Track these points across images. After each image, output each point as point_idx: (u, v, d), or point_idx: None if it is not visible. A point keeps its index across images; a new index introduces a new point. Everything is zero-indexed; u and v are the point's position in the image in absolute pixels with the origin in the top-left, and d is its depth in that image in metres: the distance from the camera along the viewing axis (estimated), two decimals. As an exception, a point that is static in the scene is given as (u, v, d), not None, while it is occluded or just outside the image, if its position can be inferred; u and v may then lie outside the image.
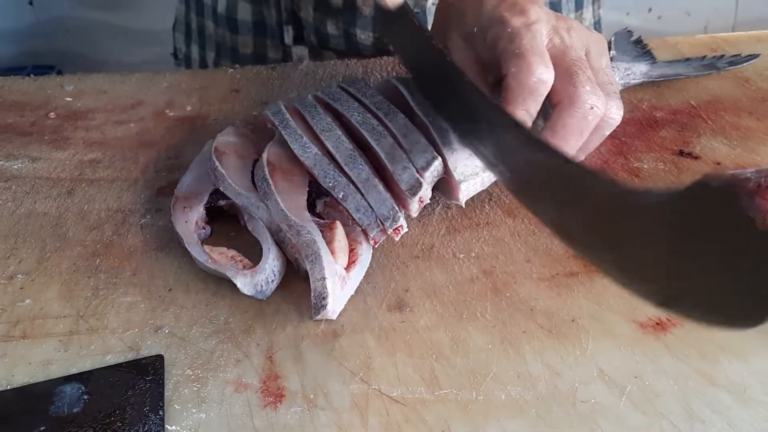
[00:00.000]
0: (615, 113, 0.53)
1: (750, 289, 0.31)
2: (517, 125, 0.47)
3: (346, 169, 0.54)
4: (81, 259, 0.54)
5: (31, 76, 0.79)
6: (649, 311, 0.48)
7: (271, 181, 0.52)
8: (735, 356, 0.45)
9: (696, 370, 0.44)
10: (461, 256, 0.54)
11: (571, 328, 0.48)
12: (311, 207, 0.54)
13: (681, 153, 0.64)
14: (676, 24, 2.09)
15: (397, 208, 0.53)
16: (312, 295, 0.48)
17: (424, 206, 0.55)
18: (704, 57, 0.77)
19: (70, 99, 0.74)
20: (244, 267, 0.51)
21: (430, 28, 0.81)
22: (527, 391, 0.44)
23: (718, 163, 0.62)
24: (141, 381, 0.45)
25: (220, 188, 0.55)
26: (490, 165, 0.50)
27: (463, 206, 0.57)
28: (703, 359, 0.45)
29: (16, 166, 0.64)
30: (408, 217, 0.54)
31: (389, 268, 0.53)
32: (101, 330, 0.48)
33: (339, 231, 0.52)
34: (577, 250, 0.46)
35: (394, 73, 0.75)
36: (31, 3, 1.91)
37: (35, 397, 0.44)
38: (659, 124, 0.68)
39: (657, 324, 0.47)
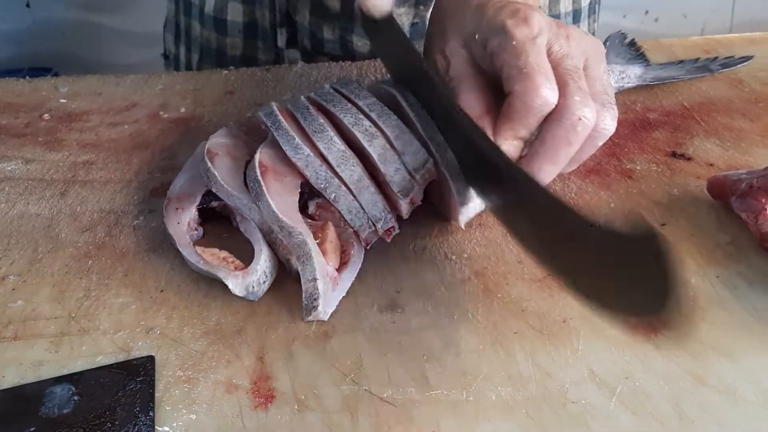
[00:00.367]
0: (608, 124, 0.53)
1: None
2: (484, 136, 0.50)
3: (337, 170, 0.54)
4: (73, 260, 0.54)
5: (27, 77, 0.79)
6: (641, 312, 0.48)
7: (262, 183, 0.52)
8: (725, 357, 0.45)
9: (686, 371, 0.44)
10: (453, 257, 0.54)
11: (562, 329, 0.48)
12: (303, 208, 0.54)
13: (674, 154, 0.64)
14: (672, 26, 2.09)
15: (388, 209, 0.53)
16: (303, 296, 0.48)
17: (417, 207, 0.55)
18: (698, 59, 0.78)
19: (65, 100, 0.74)
20: (235, 268, 0.51)
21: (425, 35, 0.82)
22: (518, 391, 0.44)
23: (711, 165, 0.62)
24: (132, 382, 0.45)
25: (213, 189, 0.55)
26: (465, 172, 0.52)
27: (463, 228, 0.56)
28: (693, 360, 0.45)
29: (9, 168, 0.64)
30: (400, 218, 0.54)
31: (381, 269, 0.53)
32: (92, 331, 0.48)
33: (331, 232, 0.52)
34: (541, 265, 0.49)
35: (388, 77, 0.75)
36: (28, 5, 1.91)
37: (25, 398, 0.44)
38: (652, 125, 0.68)
39: (648, 325, 0.47)
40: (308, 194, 0.55)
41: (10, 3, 1.90)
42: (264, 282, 0.50)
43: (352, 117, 0.57)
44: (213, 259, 0.52)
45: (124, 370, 0.46)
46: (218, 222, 0.57)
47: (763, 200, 0.53)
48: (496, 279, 0.52)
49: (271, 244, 0.53)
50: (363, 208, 0.53)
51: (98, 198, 0.60)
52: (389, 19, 0.60)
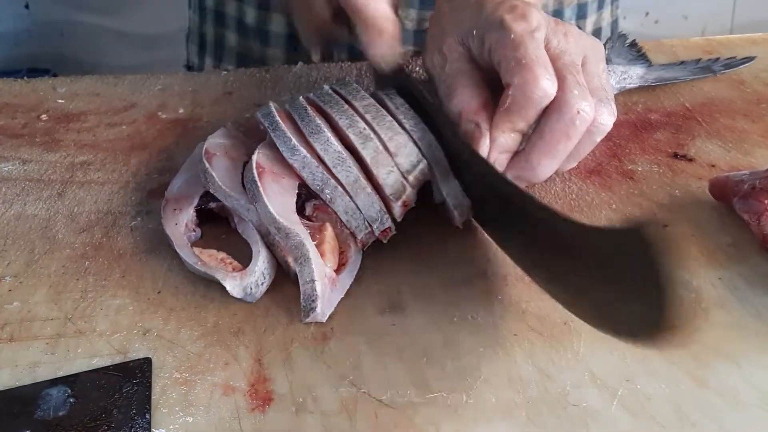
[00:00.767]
0: (606, 119, 0.53)
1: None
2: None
3: (334, 171, 0.54)
4: (70, 261, 0.54)
5: (25, 78, 0.79)
6: (642, 314, 0.48)
7: (259, 184, 0.52)
8: (727, 360, 0.45)
9: (687, 373, 0.44)
10: (453, 257, 0.53)
11: (563, 330, 0.47)
12: (301, 209, 0.54)
13: (675, 155, 0.63)
14: (673, 28, 2.09)
15: (384, 210, 0.52)
16: (301, 297, 0.48)
17: (416, 208, 0.54)
18: (699, 60, 0.77)
19: (63, 101, 0.74)
20: (233, 269, 0.51)
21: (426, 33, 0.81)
22: (518, 394, 0.43)
23: (713, 166, 0.62)
24: (128, 384, 0.44)
25: (210, 190, 0.55)
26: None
27: (461, 227, 0.56)
28: (694, 362, 0.45)
29: (6, 168, 0.64)
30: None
31: (381, 270, 0.52)
32: (89, 333, 0.48)
33: (329, 233, 0.52)
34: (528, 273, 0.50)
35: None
36: (27, 7, 1.91)
37: (20, 401, 0.43)
38: (654, 126, 0.68)
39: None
40: (305, 195, 0.55)
41: (9, 4, 1.90)
42: (262, 283, 0.50)
43: (347, 119, 0.57)
44: (211, 261, 0.51)
45: (121, 372, 0.45)
46: (216, 223, 0.56)
47: (766, 201, 0.52)
48: (495, 280, 0.51)
49: (269, 246, 0.52)
50: (359, 209, 0.53)
51: (95, 199, 0.60)
52: (400, 71, 0.60)
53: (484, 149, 0.53)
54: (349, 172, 0.53)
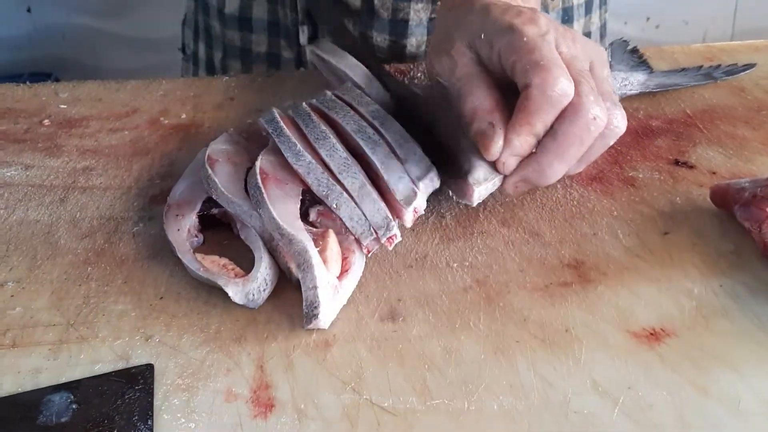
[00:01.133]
0: (619, 122, 0.54)
1: None
2: None
3: (339, 177, 0.54)
4: (72, 267, 0.54)
5: (27, 83, 0.79)
6: (643, 321, 0.48)
7: (263, 190, 0.52)
8: (729, 368, 0.45)
9: (690, 382, 0.44)
10: (455, 265, 0.53)
11: (565, 338, 0.47)
12: (304, 215, 0.54)
13: (676, 162, 0.64)
14: (674, 33, 2.09)
15: (390, 217, 0.52)
16: (304, 304, 0.48)
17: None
18: (701, 67, 0.77)
19: (65, 106, 0.74)
20: (236, 275, 0.51)
21: (431, 38, 0.82)
22: (519, 401, 0.43)
23: (714, 173, 0.62)
24: (130, 390, 0.44)
25: (213, 196, 0.55)
26: None
27: (470, 206, 0.56)
28: (697, 370, 0.45)
29: (9, 174, 0.64)
30: (401, 226, 0.54)
31: (382, 277, 0.53)
32: (91, 339, 0.48)
33: (332, 240, 0.52)
34: None
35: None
36: (29, 10, 1.91)
37: (23, 407, 0.43)
38: (655, 133, 0.68)
39: (651, 334, 0.47)
40: (309, 201, 0.55)
41: (11, 8, 1.91)
42: (264, 290, 0.50)
43: (354, 124, 0.57)
44: (213, 267, 0.51)
45: (123, 379, 0.45)
46: (218, 229, 0.56)
47: (766, 209, 0.52)
48: (497, 287, 0.51)
49: (272, 252, 0.52)
50: (365, 216, 0.53)
51: (98, 204, 0.60)
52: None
53: (496, 149, 0.53)
54: (355, 178, 0.54)
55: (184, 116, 0.72)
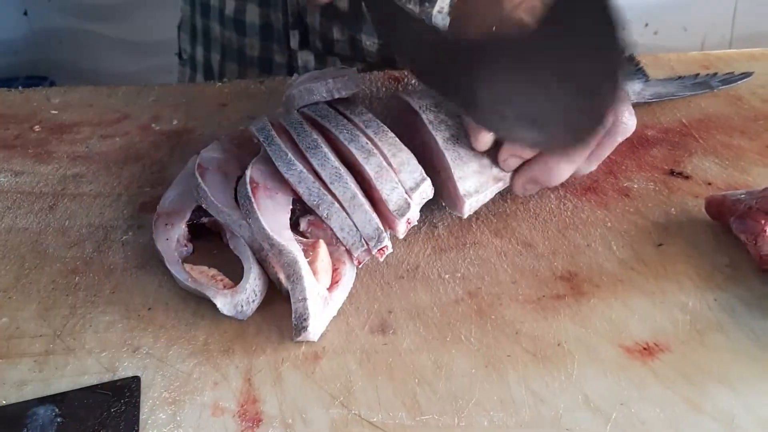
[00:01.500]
0: (628, 119, 0.54)
1: None
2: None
3: (331, 187, 0.53)
4: (60, 276, 0.53)
5: (19, 88, 0.79)
6: (637, 336, 0.48)
7: (253, 199, 0.52)
8: (723, 384, 0.44)
9: (683, 398, 0.43)
10: (446, 276, 0.53)
11: (557, 352, 0.47)
12: (295, 225, 0.53)
13: (672, 173, 0.63)
14: (672, 39, 2.08)
15: (382, 228, 0.52)
16: (293, 316, 0.47)
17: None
18: (697, 75, 0.77)
19: (56, 112, 0.74)
20: (224, 286, 0.50)
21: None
22: (510, 417, 0.43)
23: (709, 184, 0.62)
24: (116, 403, 0.44)
25: (203, 205, 0.54)
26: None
27: (465, 218, 0.56)
28: (690, 386, 0.44)
29: (-2, 180, 0.63)
30: (393, 236, 0.53)
31: (373, 289, 0.52)
32: (78, 350, 0.47)
33: (322, 250, 0.51)
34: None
35: (383, 89, 0.75)
36: (26, 14, 1.91)
37: (7, 420, 0.43)
38: (650, 142, 0.67)
39: (644, 349, 0.47)
40: (300, 211, 0.54)
41: (8, 11, 1.90)
42: (253, 301, 0.50)
43: (348, 133, 0.57)
44: (201, 277, 0.51)
45: (109, 391, 0.45)
46: (209, 238, 0.56)
47: (763, 221, 0.52)
48: (489, 300, 0.51)
49: (262, 262, 0.52)
50: (356, 226, 0.52)
51: (87, 212, 0.60)
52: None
53: (486, 138, 0.54)
54: (347, 188, 0.53)
55: (175, 122, 0.72)
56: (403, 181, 0.54)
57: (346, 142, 0.56)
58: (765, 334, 0.48)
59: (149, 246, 0.55)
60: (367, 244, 0.52)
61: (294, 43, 0.87)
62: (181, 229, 0.55)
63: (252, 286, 0.50)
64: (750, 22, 2.11)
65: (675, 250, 0.55)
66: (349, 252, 0.52)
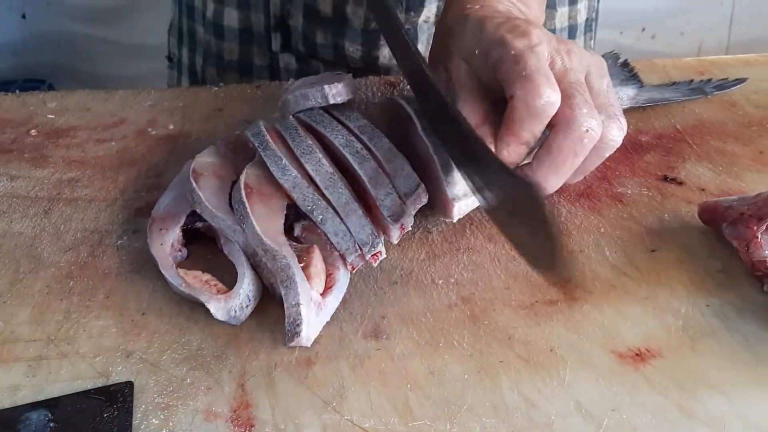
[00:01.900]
0: (616, 135, 0.53)
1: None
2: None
3: (325, 192, 0.53)
4: (54, 280, 0.53)
5: (16, 92, 0.79)
6: (629, 342, 0.48)
7: (247, 204, 0.52)
8: (715, 390, 0.44)
9: (675, 404, 0.44)
10: (440, 282, 0.53)
11: (549, 358, 0.47)
12: (289, 230, 0.54)
13: (665, 178, 0.63)
14: (669, 44, 2.09)
15: (376, 234, 0.52)
16: (286, 321, 0.48)
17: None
18: (692, 81, 0.77)
19: (53, 116, 0.74)
20: (218, 291, 0.50)
21: (421, 45, 0.81)
22: (502, 423, 0.43)
23: (703, 189, 0.62)
24: (109, 408, 0.44)
25: (197, 210, 0.55)
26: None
27: (455, 222, 0.56)
28: (682, 393, 0.44)
29: (-6, 185, 0.64)
30: (387, 242, 0.53)
31: (366, 294, 0.52)
32: (72, 355, 0.47)
33: (316, 255, 0.51)
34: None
35: (379, 94, 0.75)
36: (23, 17, 1.91)
37: (0, 425, 0.43)
38: (644, 148, 0.67)
39: (636, 355, 0.47)
40: (294, 216, 0.54)
41: (6, 14, 1.90)
42: (247, 306, 0.50)
43: (343, 138, 0.57)
44: (195, 282, 0.51)
45: (102, 396, 0.45)
46: (204, 243, 0.56)
47: (755, 228, 0.52)
48: (482, 305, 0.51)
49: (255, 267, 0.52)
50: (350, 232, 0.52)
51: (82, 217, 0.60)
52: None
53: None
54: (341, 193, 0.53)
55: (172, 127, 0.72)
56: (398, 187, 0.54)
57: (340, 148, 0.56)
58: (757, 340, 0.48)
59: (144, 251, 0.55)
60: (361, 249, 0.52)
61: (276, 45, 0.86)
62: (175, 234, 0.55)
63: (245, 291, 0.50)
64: (747, 27, 2.12)
65: (668, 255, 0.55)
66: (342, 257, 0.52)
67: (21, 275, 0.54)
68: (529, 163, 0.53)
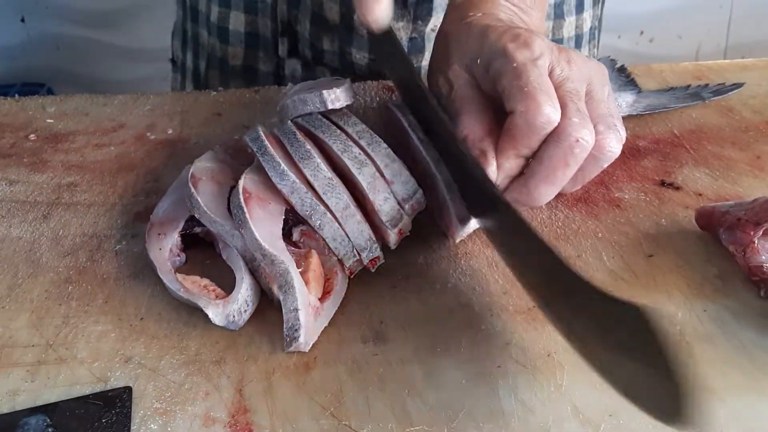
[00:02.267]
0: (613, 145, 0.53)
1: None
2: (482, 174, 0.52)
3: (324, 197, 0.54)
4: (53, 285, 0.53)
5: (15, 96, 0.79)
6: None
7: (245, 209, 0.52)
8: (712, 395, 0.45)
9: (671, 409, 0.44)
10: (438, 287, 0.53)
11: (547, 363, 0.47)
12: (287, 235, 0.54)
13: (663, 183, 0.63)
14: (668, 47, 2.09)
15: (374, 239, 0.52)
16: (284, 326, 0.48)
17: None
18: (689, 86, 0.77)
19: (52, 121, 0.74)
20: (216, 296, 0.50)
21: (429, 54, 0.82)
22: (500, 428, 0.43)
23: (700, 194, 0.62)
24: (108, 414, 0.44)
25: (196, 215, 0.55)
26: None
27: (457, 242, 0.56)
28: (678, 397, 0.44)
29: (-8, 189, 0.64)
30: (384, 246, 0.54)
31: (365, 299, 0.52)
32: (70, 360, 0.48)
33: (314, 260, 0.51)
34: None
35: (377, 99, 0.75)
36: (22, 20, 1.91)
37: (-2, 430, 0.43)
38: (641, 153, 0.68)
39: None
40: (293, 221, 0.54)
41: (5, 18, 1.90)
42: (245, 311, 0.50)
43: (341, 144, 0.57)
44: (194, 287, 0.51)
45: (101, 401, 0.45)
46: (202, 248, 0.56)
47: (752, 233, 0.52)
48: (480, 310, 0.51)
49: (254, 272, 0.52)
50: (348, 237, 0.52)
51: (81, 221, 0.60)
52: (389, 33, 0.60)
53: (491, 176, 0.53)
54: (339, 198, 0.53)
55: (170, 131, 0.72)
56: (396, 192, 0.54)
57: (339, 153, 0.56)
58: (754, 345, 0.48)
59: (143, 255, 0.55)
60: (359, 254, 0.52)
61: (282, 50, 0.86)
62: (174, 239, 0.55)
63: (244, 296, 0.50)
64: (745, 30, 2.12)
65: (665, 261, 0.55)
66: (341, 262, 0.52)
67: (20, 280, 0.54)
68: (522, 174, 0.53)
